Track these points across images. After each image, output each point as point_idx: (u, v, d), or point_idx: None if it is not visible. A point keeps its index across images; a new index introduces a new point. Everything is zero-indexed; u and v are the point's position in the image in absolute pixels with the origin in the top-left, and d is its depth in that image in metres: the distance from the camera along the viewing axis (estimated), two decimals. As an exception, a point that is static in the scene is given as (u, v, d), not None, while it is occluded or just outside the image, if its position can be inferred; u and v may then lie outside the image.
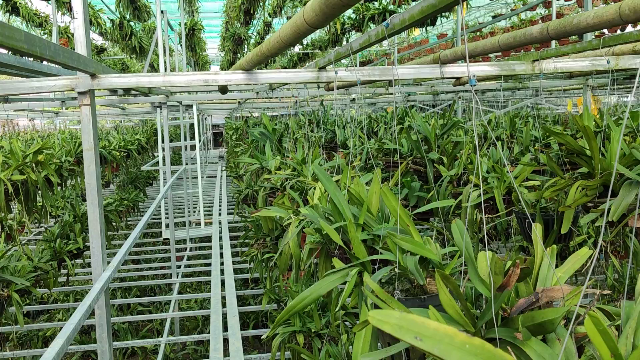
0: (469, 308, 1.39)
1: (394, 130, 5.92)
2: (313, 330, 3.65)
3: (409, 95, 11.27)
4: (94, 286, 2.80)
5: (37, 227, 10.11)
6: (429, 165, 4.52)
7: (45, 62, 3.80)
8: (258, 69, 3.45)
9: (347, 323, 3.87)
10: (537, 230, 1.54)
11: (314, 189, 3.42)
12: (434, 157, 4.38)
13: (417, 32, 15.51)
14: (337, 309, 2.02)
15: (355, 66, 3.04)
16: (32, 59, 3.86)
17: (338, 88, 6.01)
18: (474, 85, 1.32)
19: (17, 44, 1.84)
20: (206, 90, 9.76)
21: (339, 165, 4.12)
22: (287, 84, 5.73)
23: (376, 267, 2.09)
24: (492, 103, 16.60)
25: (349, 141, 5.99)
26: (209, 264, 8.19)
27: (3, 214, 4.77)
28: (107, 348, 3.14)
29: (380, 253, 2.07)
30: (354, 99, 11.69)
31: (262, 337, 3.88)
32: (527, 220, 3.31)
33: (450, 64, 3.25)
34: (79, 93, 3.03)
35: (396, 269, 1.90)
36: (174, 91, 7.78)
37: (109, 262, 3.26)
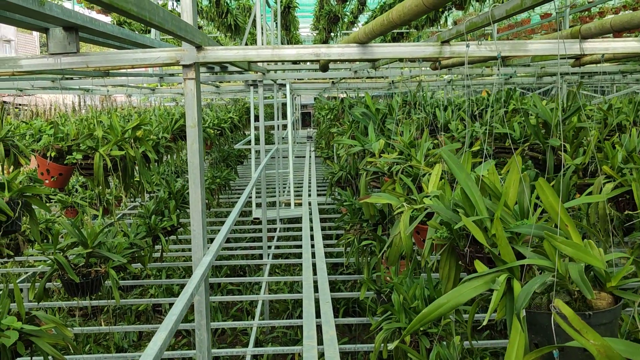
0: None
1: (504, 114, 5.52)
2: (421, 329, 3.37)
3: (510, 77, 10.70)
4: (195, 272, 2.63)
5: (132, 202, 10.29)
6: (549, 153, 4.13)
7: (145, 35, 3.67)
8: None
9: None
10: None
11: (428, 175, 3.13)
12: (556, 144, 3.98)
13: (518, 11, 14.74)
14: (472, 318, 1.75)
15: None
16: (129, 28, 3.74)
17: (442, 67, 5.64)
18: None
19: (127, 6, 1.64)
20: (298, 69, 9.57)
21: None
22: (393, 61, 5.42)
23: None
24: (594, 88, 15.64)
25: (451, 124, 5.65)
26: (298, 246, 8.05)
27: (101, 189, 4.73)
28: (205, 336, 2.99)
29: (525, 256, 1.77)
30: (451, 80, 11.23)
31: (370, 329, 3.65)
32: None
33: (592, 38, 2.86)
34: (184, 66, 2.85)
35: (553, 277, 1.60)
36: (270, 69, 7.63)
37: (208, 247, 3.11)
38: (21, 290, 5.96)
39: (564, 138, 4.16)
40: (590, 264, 1.60)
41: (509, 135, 4.74)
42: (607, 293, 1.61)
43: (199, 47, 2.81)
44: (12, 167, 4.75)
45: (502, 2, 2.31)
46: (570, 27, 4.40)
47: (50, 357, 3.41)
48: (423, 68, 8.41)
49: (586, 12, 13.35)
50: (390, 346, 3.27)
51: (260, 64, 6.92)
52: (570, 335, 1.29)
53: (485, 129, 4.90)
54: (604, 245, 3.08)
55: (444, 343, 3.29)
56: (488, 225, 1.95)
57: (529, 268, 1.84)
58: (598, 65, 6.89)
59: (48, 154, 4.45)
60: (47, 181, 4.49)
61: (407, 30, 14.03)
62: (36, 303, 4.47)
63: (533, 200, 2.12)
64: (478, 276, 1.68)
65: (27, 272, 7.02)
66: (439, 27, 12.80)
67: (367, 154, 4.53)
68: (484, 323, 1.62)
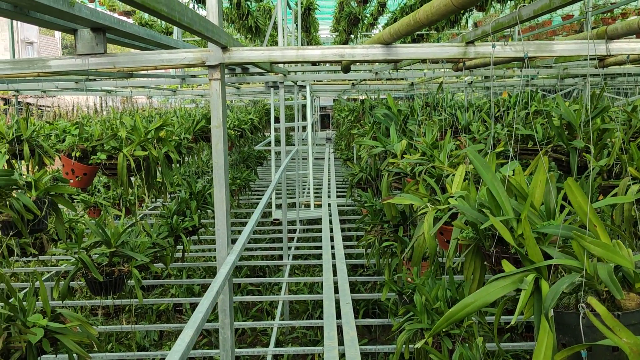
0: None
1: (526, 115, 5.49)
2: (443, 330, 3.37)
3: (532, 78, 10.63)
4: (220, 271, 2.66)
5: (153, 202, 10.38)
6: (573, 154, 4.10)
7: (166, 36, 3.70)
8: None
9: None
10: None
11: (452, 175, 3.13)
12: (580, 145, 3.95)
13: (540, 13, 14.64)
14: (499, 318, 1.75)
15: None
16: (156, 30, 3.77)
17: (466, 68, 5.63)
18: None
19: (158, 6, 1.67)
20: (318, 71, 9.59)
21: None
22: (415, 62, 5.42)
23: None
24: (617, 90, 15.49)
25: (473, 125, 5.62)
26: (318, 247, 8.06)
27: (124, 189, 4.78)
28: (229, 335, 3.01)
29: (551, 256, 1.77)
30: (471, 82, 11.18)
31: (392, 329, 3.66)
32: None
33: (618, 39, 2.84)
34: (209, 67, 2.87)
35: (581, 278, 1.59)
36: (291, 70, 7.66)
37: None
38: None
39: (587, 140, 4.13)
40: (619, 264, 1.59)
41: (532, 136, 4.72)
42: (636, 294, 1.60)
43: (224, 48, 2.83)
44: (36, 167, 4.81)
45: (528, 2, 2.30)
46: (592, 28, 4.36)
47: (74, 355, 3.44)
48: (443, 70, 8.39)
49: (608, 14, 13.24)
50: (417, 345, 3.26)
51: (281, 66, 6.95)
52: (600, 334, 1.29)
53: (508, 131, 4.88)
54: (629, 247, 3.06)
55: (467, 344, 3.28)
56: (514, 225, 1.95)
57: (556, 269, 1.84)
58: (622, 66, 6.83)
59: (73, 154, 4.50)
60: (71, 181, 4.54)
61: (428, 32, 14.00)
62: (60, 302, 4.52)
63: (559, 201, 2.12)
64: (505, 276, 1.68)
65: (50, 271, 7.10)
66: (459, 28, 12.77)
67: (389, 155, 4.53)
68: (512, 323, 1.62)
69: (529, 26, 15.83)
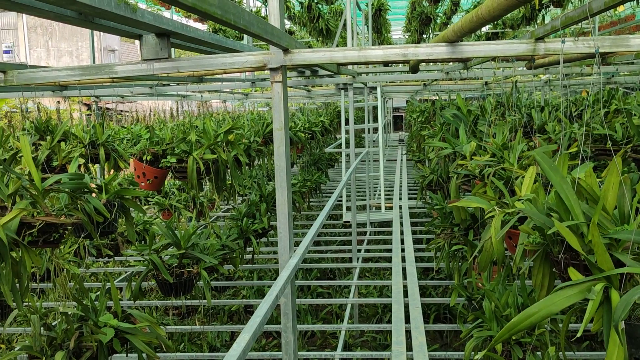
0: None
1: (605, 114, 5.25)
2: (513, 337, 3.24)
3: (612, 76, 10.18)
4: (281, 274, 2.64)
5: (226, 204, 10.55)
6: (654, 155, 3.88)
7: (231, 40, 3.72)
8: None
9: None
10: None
11: (522, 178, 3.01)
12: (662, 145, 3.74)
13: (622, 8, 14.02)
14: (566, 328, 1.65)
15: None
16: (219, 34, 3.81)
17: (537, 67, 5.43)
18: None
19: (210, 9, 1.66)
20: (389, 72, 9.50)
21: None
22: (485, 61, 5.27)
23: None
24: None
25: (548, 125, 5.42)
26: (389, 250, 7.97)
27: (195, 191, 4.85)
28: (291, 338, 2.99)
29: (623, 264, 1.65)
30: (548, 80, 10.82)
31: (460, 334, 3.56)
32: None
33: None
34: (271, 69, 2.87)
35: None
36: (361, 72, 7.61)
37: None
38: (120, 289, 6.22)
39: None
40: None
41: (609, 136, 4.50)
42: None
43: (285, 50, 2.82)
44: (112, 171, 4.95)
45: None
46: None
47: (144, 355, 3.51)
48: (519, 68, 8.15)
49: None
50: (477, 357, 3.16)
51: (350, 67, 6.91)
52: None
53: (584, 130, 4.67)
54: None
55: (538, 354, 3.14)
56: (584, 230, 1.84)
57: (630, 277, 1.72)
58: None
59: (144, 158, 4.61)
60: (143, 184, 4.65)
61: (503, 30, 13.65)
62: (133, 302, 4.63)
63: (635, 204, 1.99)
64: (572, 284, 1.58)
65: (127, 272, 7.32)
66: (535, 26, 12.37)
67: (458, 156, 4.42)
68: (578, 334, 1.52)
69: (610, 22, 15.18)
